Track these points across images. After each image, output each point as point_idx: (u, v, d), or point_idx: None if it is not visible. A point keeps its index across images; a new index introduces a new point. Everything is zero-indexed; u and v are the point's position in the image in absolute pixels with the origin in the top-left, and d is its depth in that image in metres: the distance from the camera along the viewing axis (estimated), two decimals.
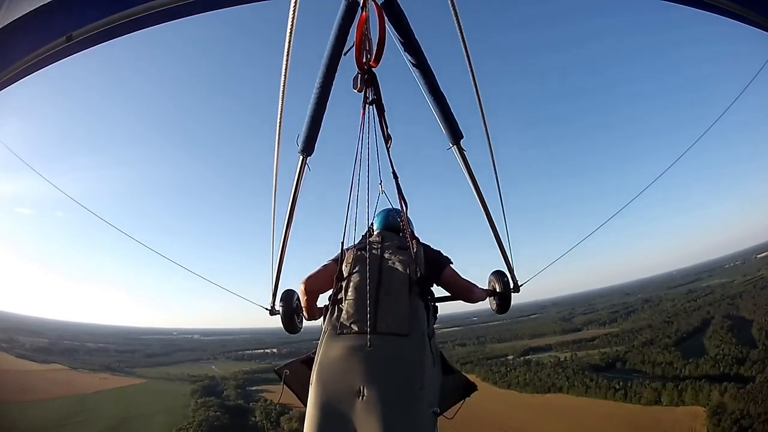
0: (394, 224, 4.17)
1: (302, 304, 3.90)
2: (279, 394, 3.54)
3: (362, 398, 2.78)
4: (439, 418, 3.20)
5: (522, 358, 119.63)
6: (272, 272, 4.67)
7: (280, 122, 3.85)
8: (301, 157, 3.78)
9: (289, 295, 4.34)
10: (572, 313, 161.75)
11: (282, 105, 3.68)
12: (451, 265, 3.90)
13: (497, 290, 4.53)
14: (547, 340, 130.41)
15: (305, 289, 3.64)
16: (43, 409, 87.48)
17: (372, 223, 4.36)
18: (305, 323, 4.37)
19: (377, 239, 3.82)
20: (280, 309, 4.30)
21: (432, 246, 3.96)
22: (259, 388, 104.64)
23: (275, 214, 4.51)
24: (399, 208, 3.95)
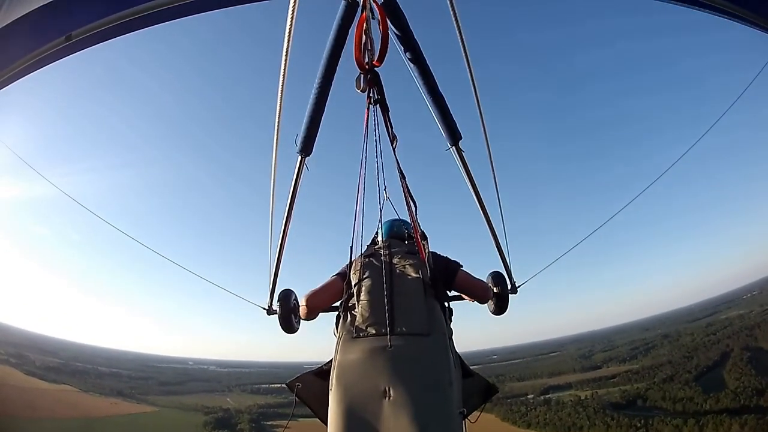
0: (400, 233, 4.19)
1: (301, 316, 3.84)
2: (292, 417, 3.61)
3: (389, 399, 2.73)
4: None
5: (542, 396, 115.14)
6: (270, 272, 4.69)
7: (278, 122, 3.84)
8: (300, 158, 3.78)
9: (286, 294, 4.34)
10: (592, 351, 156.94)
11: (280, 105, 3.67)
12: (462, 267, 3.89)
13: (495, 291, 4.52)
14: (567, 378, 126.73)
15: (306, 304, 3.62)
16: (49, 428, 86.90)
17: (377, 233, 4.38)
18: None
19: (384, 246, 3.81)
20: (278, 309, 4.27)
21: (439, 253, 3.95)
22: (275, 423, 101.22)
23: (273, 215, 4.55)
24: (406, 211, 3.92)
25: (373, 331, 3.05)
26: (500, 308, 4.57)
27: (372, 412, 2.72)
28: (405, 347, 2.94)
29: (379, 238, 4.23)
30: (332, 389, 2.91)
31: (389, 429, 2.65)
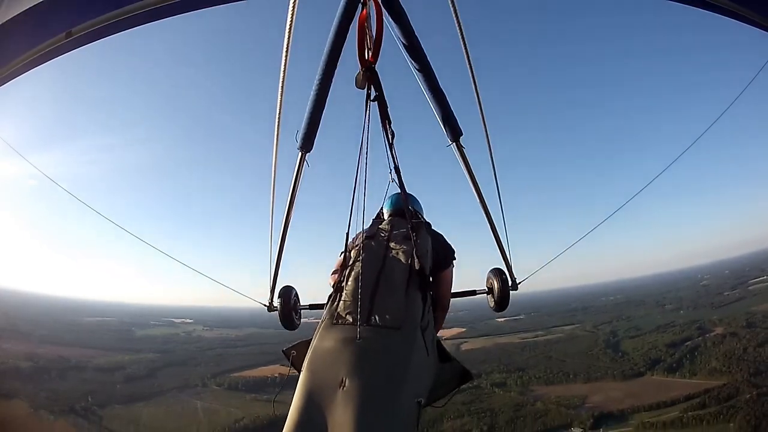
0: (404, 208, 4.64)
1: None
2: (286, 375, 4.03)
3: (343, 388, 3.17)
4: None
5: None
6: (270, 269, 5.25)
7: (279, 119, 4.42)
8: (300, 154, 4.34)
9: (287, 291, 5.03)
10: (615, 330, 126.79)
11: (281, 101, 4.25)
12: (453, 264, 4.54)
13: (495, 288, 5.18)
14: (608, 390, 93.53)
15: (331, 284, 4.27)
16: None
17: (383, 207, 5.04)
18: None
19: (386, 227, 4.42)
20: (278, 305, 4.96)
21: (445, 237, 4.62)
22: None
23: (274, 211, 5.13)
24: (410, 195, 4.64)
25: (350, 320, 3.59)
26: (501, 305, 5.23)
27: (327, 400, 3.17)
28: (371, 340, 3.44)
29: (385, 213, 4.91)
30: (302, 371, 3.48)
31: (338, 417, 3.08)
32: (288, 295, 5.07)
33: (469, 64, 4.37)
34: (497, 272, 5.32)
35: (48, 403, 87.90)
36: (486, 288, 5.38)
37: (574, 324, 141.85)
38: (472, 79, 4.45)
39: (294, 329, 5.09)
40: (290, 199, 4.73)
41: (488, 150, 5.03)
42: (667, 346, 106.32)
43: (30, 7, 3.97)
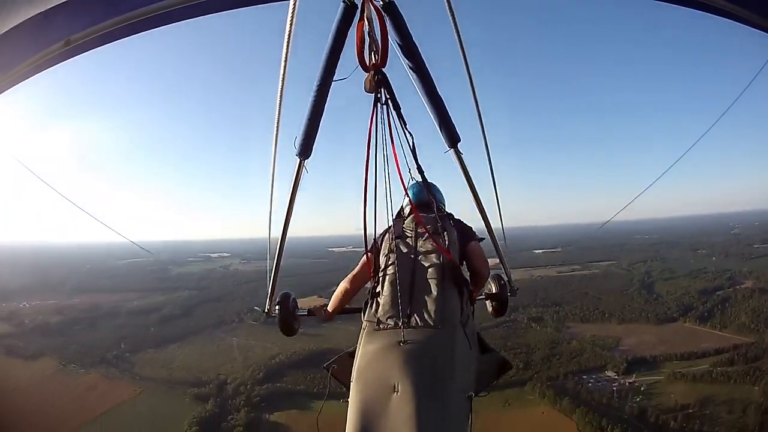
0: (425, 199, 4.91)
1: (335, 304, 4.86)
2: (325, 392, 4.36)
3: (397, 393, 3.36)
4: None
5: (628, 381, 76.95)
6: (269, 275, 5.32)
7: (277, 125, 4.41)
8: (299, 161, 4.41)
9: (285, 297, 5.14)
10: (649, 271, 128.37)
11: (279, 108, 4.25)
12: (477, 240, 4.80)
13: (494, 293, 5.37)
14: (642, 334, 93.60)
15: (351, 287, 4.68)
16: None
17: (402, 208, 5.18)
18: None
19: (411, 224, 4.64)
20: (277, 312, 5.06)
21: (464, 221, 4.92)
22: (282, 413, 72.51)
23: (272, 218, 5.17)
24: (431, 184, 4.88)
25: (392, 324, 3.87)
26: (499, 310, 5.41)
27: (382, 407, 3.34)
28: (415, 342, 3.64)
29: (407, 203, 5.03)
30: (353, 381, 3.68)
31: (395, 423, 3.25)
32: (286, 301, 5.15)
33: (467, 68, 4.30)
34: (496, 278, 5.48)
35: (77, 356, 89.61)
36: (485, 294, 5.50)
37: (610, 260, 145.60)
38: (470, 82, 4.41)
39: (293, 335, 5.21)
40: (289, 206, 4.78)
41: (486, 156, 5.04)
42: (699, 293, 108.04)
43: (29, 17, 3.99)
